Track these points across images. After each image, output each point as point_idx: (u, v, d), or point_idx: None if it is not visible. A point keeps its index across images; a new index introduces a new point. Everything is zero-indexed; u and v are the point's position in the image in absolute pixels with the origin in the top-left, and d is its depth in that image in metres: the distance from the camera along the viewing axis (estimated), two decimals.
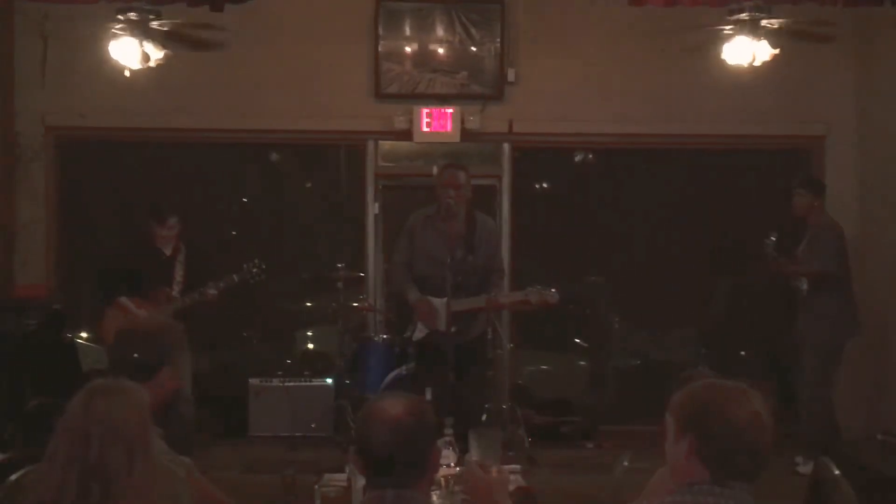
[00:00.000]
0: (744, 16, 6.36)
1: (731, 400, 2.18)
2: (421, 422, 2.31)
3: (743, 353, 7.90)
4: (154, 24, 6.34)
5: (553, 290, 5.73)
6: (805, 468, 6.23)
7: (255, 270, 6.35)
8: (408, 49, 7.60)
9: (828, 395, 6.32)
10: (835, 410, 6.35)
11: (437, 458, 2.41)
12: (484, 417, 6.29)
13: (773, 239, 6.43)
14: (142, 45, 6.32)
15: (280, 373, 7.29)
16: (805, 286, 6.44)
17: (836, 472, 3.47)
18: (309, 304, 8.36)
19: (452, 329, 5.62)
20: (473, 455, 2.73)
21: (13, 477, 2.88)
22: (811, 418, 6.31)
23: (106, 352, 5.96)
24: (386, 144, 7.81)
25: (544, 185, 8.41)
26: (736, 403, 2.17)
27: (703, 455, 2.15)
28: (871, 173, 7.40)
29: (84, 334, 7.30)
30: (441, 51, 7.59)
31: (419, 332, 5.92)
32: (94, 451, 2.26)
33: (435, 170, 6.72)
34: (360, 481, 3.12)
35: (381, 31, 7.53)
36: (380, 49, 7.54)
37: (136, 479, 2.28)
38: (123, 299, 6.23)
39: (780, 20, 6.36)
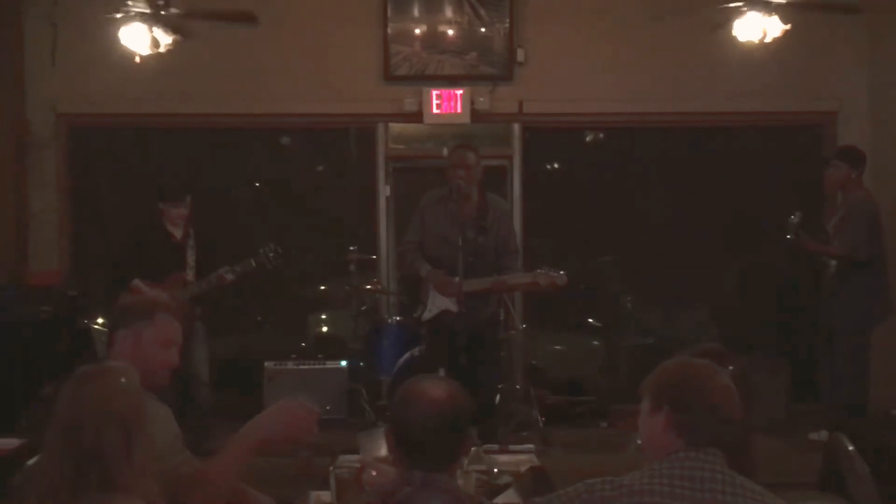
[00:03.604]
0: None
1: (703, 374, 2.31)
2: (460, 407, 2.31)
3: (757, 331, 7.87)
4: (163, 10, 6.33)
5: (562, 272, 5.70)
6: (818, 435, 6.21)
7: (271, 255, 6.30)
8: (417, 31, 7.58)
9: (862, 379, 6.14)
10: (867, 394, 6.18)
11: (469, 444, 2.41)
12: (497, 398, 6.30)
13: (796, 216, 6.14)
14: (151, 31, 6.32)
15: (294, 356, 7.32)
16: (833, 263, 6.24)
17: (851, 447, 3.47)
18: (322, 288, 8.38)
19: (463, 310, 5.62)
20: (367, 455, 2.85)
21: (29, 462, 2.90)
22: (842, 399, 6.11)
23: None
24: (396, 127, 7.81)
25: (555, 166, 8.39)
26: (707, 377, 2.30)
27: (677, 426, 2.26)
28: (884, 149, 7.36)
29: (99, 320, 7.34)
30: (450, 32, 7.57)
31: (429, 313, 5.91)
32: (87, 438, 2.24)
33: (445, 151, 6.72)
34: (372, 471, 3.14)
35: (389, 13, 7.52)
36: (388, 31, 7.53)
37: (136, 460, 2.28)
38: (138, 282, 6.23)
39: None
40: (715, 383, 2.28)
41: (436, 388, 2.33)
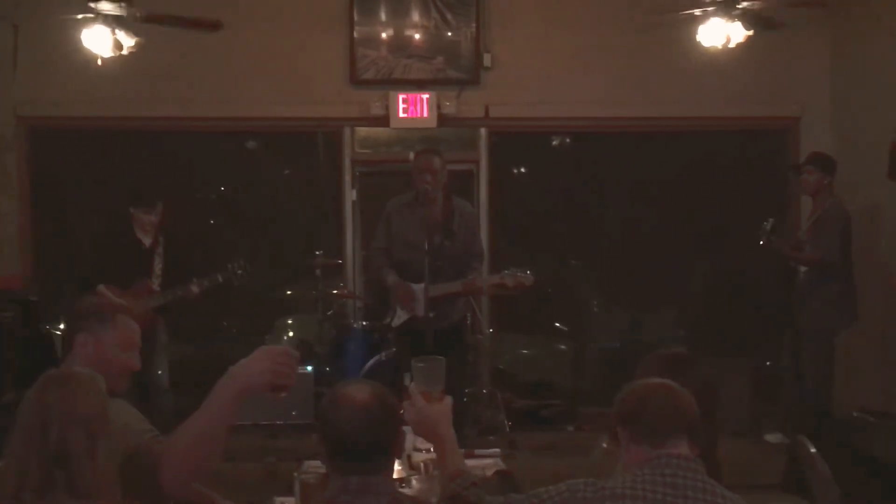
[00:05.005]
0: None
1: (645, 383, 2.43)
2: (385, 407, 2.32)
3: (724, 334, 7.91)
4: (125, 12, 6.27)
5: (528, 272, 5.75)
6: (773, 437, 6.29)
7: (239, 272, 6.27)
8: (383, 35, 7.57)
9: (827, 382, 6.21)
10: (830, 397, 6.25)
11: (401, 443, 2.42)
12: (464, 402, 6.29)
13: (769, 223, 6.23)
14: (114, 33, 6.26)
15: None
16: (803, 269, 6.32)
17: (813, 450, 3.50)
18: (288, 292, 8.34)
19: (431, 314, 5.61)
20: (416, 385, 2.62)
21: None
22: (804, 401, 6.19)
23: None
24: (362, 131, 7.80)
25: (522, 170, 8.41)
26: (645, 385, 2.42)
27: (635, 436, 2.35)
28: (846, 154, 7.44)
29: (61, 326, 7.24)
30: (417, 36, 7.57)
31: (398, 319, 5.90)
32: (53, 440, 2.27)
33: (412, 156, 6.71)
34: None
35: (356, 17, 7.51)
36: (355, 35, 7.51)
37: (99, 460, 2.30)
38: (103, 288, 6.12)
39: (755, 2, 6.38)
40: (652, 383, 2.40)
41: (360, 390, 2.33)
